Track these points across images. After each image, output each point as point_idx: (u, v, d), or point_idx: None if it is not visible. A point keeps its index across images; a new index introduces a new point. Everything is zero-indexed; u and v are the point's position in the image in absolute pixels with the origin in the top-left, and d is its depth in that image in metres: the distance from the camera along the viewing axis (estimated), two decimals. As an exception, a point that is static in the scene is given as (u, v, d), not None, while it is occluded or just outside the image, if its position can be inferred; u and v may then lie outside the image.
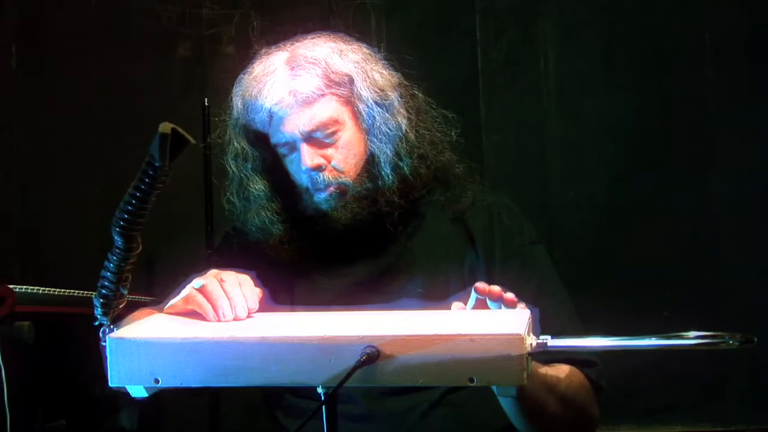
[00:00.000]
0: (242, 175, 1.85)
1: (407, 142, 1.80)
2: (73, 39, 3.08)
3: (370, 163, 1.79)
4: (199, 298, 1.51)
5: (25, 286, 2.28)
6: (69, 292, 2.38)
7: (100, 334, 1.34)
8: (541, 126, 3.09)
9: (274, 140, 1.79)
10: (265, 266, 1.74)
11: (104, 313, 1.30)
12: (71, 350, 2.48)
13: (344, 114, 1.78)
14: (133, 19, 3.11)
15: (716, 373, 2.96)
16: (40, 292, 2.32)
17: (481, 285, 1.47)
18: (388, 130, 1.79)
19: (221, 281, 1.53)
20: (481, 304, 1.49)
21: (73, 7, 3.08)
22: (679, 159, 3.02)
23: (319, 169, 1.76)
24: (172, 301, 1.56)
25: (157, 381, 1.34)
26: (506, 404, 1.57)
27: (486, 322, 1.39)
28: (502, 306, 1.46)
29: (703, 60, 3.01)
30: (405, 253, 1.82)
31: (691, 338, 1.29)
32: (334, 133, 1.76)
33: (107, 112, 3.07)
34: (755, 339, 1.28)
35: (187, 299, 1.53)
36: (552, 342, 1.34)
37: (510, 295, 1.46)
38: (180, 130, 1.16)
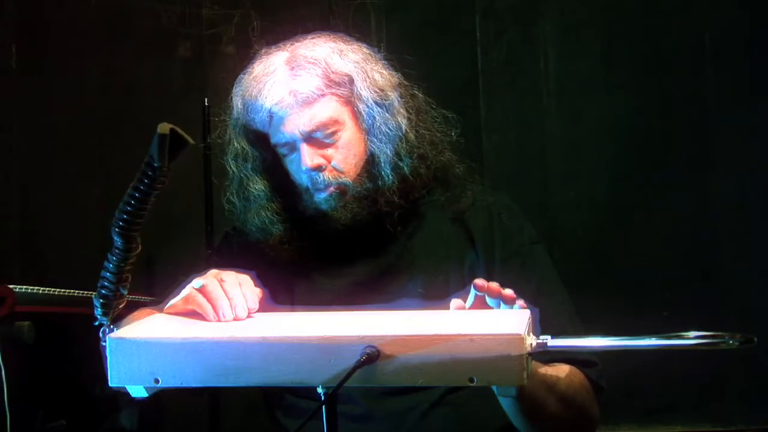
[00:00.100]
0: (242, 175, 1.85)
1: (407, 142, 1.81)
2: (73, 39, 3.08)
3: (370, 163, 1.79)
4: (199, 298, 1.51)
5: (25, 286, 2.28)
6: (69, 292, 2.38)
7: (100, 334, 1.34)
8: (541, 126, 3.09)
9: (274, 140, 1.79)
10: (265, 266, 1.74)
11: (104, 313, 1.30)
12: (71, 350, 2.47)
13: (344, 114, 1.78)
14: (133, 19, 3.11)
15: (716, 373, 2.96)
16: (40, 292, 2.32)
17: (480, 281, 1.47)
18: (388, 130, 1.79)
19: (221, 281, 1.53)
20: (480, 301, 1.49)
21: (73, 7, 3.08)
22: (679, 159, 3.02)
23: (319, 169, 1.76)
24: (172, 301, 1.56)
25: (157, 381, 1.34)
26: (506, 404, 1.57)
27: (486, 322, 1.39)
28: (501, 302, 1.46)
29: (703, 60, 3.01)
30: (405, 253, 1.82)
31: (691, 338, 1.29)
32: (334, 133, 1.76)
33: (107, 112, 3.06)
34: (755, 339, 1.28)
35: (187, 299, 1.53)
36: (552, 342, 1.34)
37: (508, 292, 1.46)
38: (179, 130, 1.16)
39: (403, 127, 1.81)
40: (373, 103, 1.78)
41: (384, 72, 1.83)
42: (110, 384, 1.35)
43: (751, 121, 2.98)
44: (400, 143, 1.79)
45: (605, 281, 3.00)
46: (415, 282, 1.79)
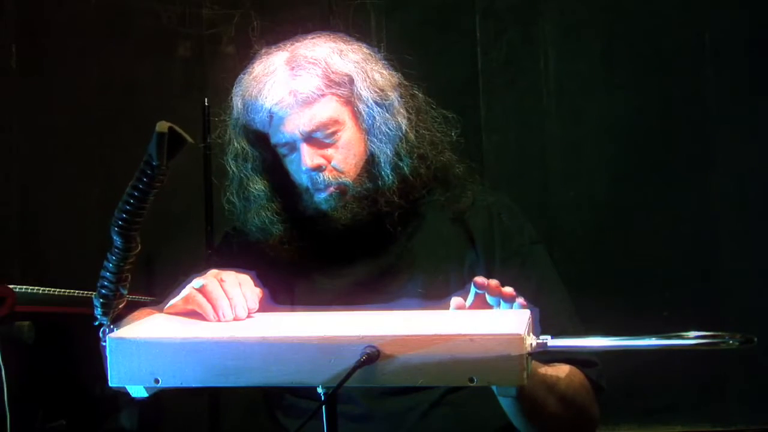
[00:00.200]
0: (242, 175, 1.85)
1: (407, 142, 1.81)
2: (73, 39, 3.08)
3: (370, 163, 1.79)
4: (199, 298, 1.51)
5: (25, 286, 2.28)
6: (69, 292, 2.38)
7: (100, 334, 1.34)
8: (541, 126, 3.09)
9: (274, 140, 1.79)
10: (265, 266, 1.74)
11: (104, 313, 1.30)
12: (71, 350, 2.47)
13: (344, 114, 1.78)
14: (133, 19, 3.11)
15: (716, 373, 2.96)
16: (40, 292, 2.32)
17: (480, 279, 1.47)
18: (388, 130, 1.79)
19: (221, 281, 1.53)
20: (480, 299, 1.49)
21: (73, 7, 3.08)
22: (679, 159, 3.02)
23: (319, 169, 1.76)
24: (172, 301, 1.56)
25: (157, 381, 1.34)
26: (506, 404, 1.57)
27: (486, 322, 1.39)
28: (501, 300, 1.46)
29: (703, 60, 3.01)
30: (405, 253, 1.82)
31: (691, 338, 1.29)
32: (334, 133, 1.76)
33: (107, 112, 3.06)
34: (755, 339, 1.28)
35: (187, 299, 1.53)
36: (552, 342, 1.34)
37: (508, 290, 1.46)
38: (177, 128, 1.16)
39: (403, 127, 1.81)
40: (373, 103, 1.78)
41: (384, 72, 1.83)
42: (110, 384, 1.35)
43: (751, 121, 2.98)
44: (400, 143, 1.79)
45: (605, 281, 3.00)
46: (415, 282, 1.79)
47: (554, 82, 3.08)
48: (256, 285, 1.58)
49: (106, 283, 1.26)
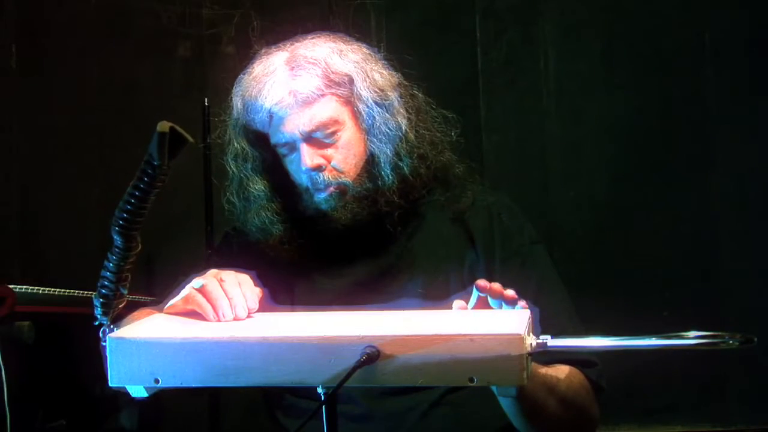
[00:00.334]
0: (242, 175, 1.85)
1: (407, 142, 1.80)
2: (73, 39, 3.08)
3: (370, 163, 1.79)
4: (199, 298, 1.51)
5: (25, 286, 2.28)
6: (69, 292, 2.38)
7: (100, 334, 1.34)
8: (541, 126, 3.09)
9: (274, 140, 1.79)
10: (265, 266, 1.74)
11: (104, 313, 1.30)
12: (71, 350, 2.47)
13: (344, 114, 1.78)
14: (133, 19, 3.11)
15: (716, 373, 2.96)
16: (40, 292, 2.32)
17: (482, 282, 1.47)
18: (388, 130, 1.79)
19: (221, 281, 1.53)
20: (482, 302, 1.49)
21: (73, 7, 3.08)
22: (679, 159, 3.02)
23: (319, 169, 1.76)
24: (172, 301, 1.56)
25: (157, 381, 1.34)
26: (506, 404, 1.57)
27: (486, 322, 1.39)
28: (503, 303, 1.47)
29: (703, 60, 3.01)
30: (405, 253, 1.82)
31: (691, 338, 1.29)
32: (334, 133, 1.76)
33: (107, 112, 3.06)
34: (755, 339, 1.28)
35: (186, 299, 1.53)
36: (552, 342, 1.34)
37: (510, 292, 1.47)
38: (178, 128, 1.16)
39: (403, 127, 1.81)
40: (373, 103, 1.78)
41: (384, 72, 1.83)
42: (110, 384, 1.35)
43: (751, 121, 2.98)
44: (400, 143, 1.79)
45: (605, 281, 3.00)
46: (415, 282, 1.78)
47: (554, 82, 3.08)
48: (255, 284, 1.58)
49: (106, 283, 1.26)
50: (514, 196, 1.96)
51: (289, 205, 1.82)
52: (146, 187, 1.18)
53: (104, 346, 1.34)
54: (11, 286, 2.24)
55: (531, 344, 1.30)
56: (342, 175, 1.77)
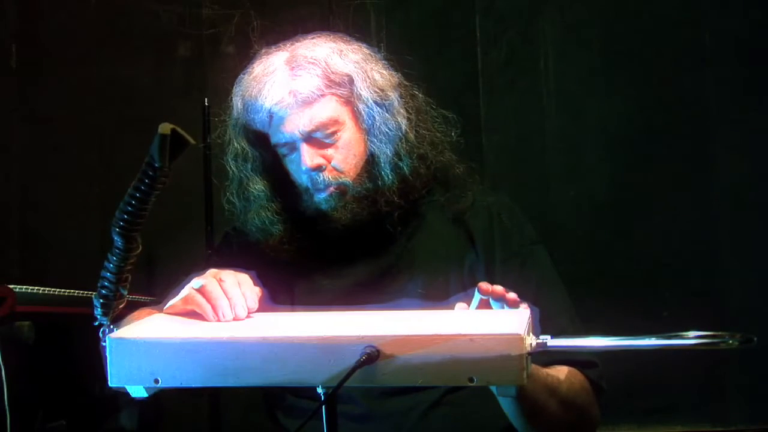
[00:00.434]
0: (242, 175, 1.84)
1: (407, 142, 1.80)
2: (73, 39, 3.08)
3: (370, 163, 1.79)
4: (199, 298, 1.51)
5: (25, 286, 2.28)
6: (69, 292, 2.38)
7: (100, 334, 1.34)
8: (541, 126, 3.09)
9: (274, 140, 1.79)
10: (265, 266, 1.73)
11: (104, 314, 1.30)
12: (71, 350, 2.48)
13: (344, 114, 1.78)
14: (133, 19, 3.11)
15: (716, 373, 2.96)
16: (40, 292, 2.32)
17: (484, 285, 1.47)
18: (388, 130, 1.79)
19: (220, 281, 1.53)
20: (484, 304, 1.49)
21: (73, 7, 3.09)
22: (679, 159, 3.02)
23: (319, 169, 1.76)
24: (172, 302, 1.55)
25: (157, 381, 1.34)
26: (506, 406, 1.57)
27: (486, 322, 1.39)
28: (505, 306, 1.47)
29: (703, 60, 3.01)
30: (405, 254, 1.82)
31: (691, 338, 1.29)
32: (334, 133, 1.76)
33: (107, 112, 3.07)
34: (755, 339, 1.28)
35: (186, 300, 1.53)
36: (552, 342, 1.34)
37: (512, 295, 1.47)
38: (179, 130, 1.16)
39: (403, 127, 1.80)
40: (373, 103, 1.78)
41: (384, 72, 1.83)
42: (110, 384, 1.35)
43: (751, 121, 2.98)
44: (400, 143, 1.79)
45: (605, 281, 3.00)
46: (415, 282, 1.78)
47: (554, 82, 3.08)
48: (255, 284, 1.58)
49: (106, 284, 1.26)
50: (514, 196, 1.96)
51: (289, 205, 1.82)
52: (147, 189, 1.18)
53: (104, 346, 1.34)
54: (11, 286, 2.24)
55: (531, 344, 1.30)
56: (342, 175, 1.77)
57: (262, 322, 1.51)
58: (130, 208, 1.19)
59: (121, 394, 1.48)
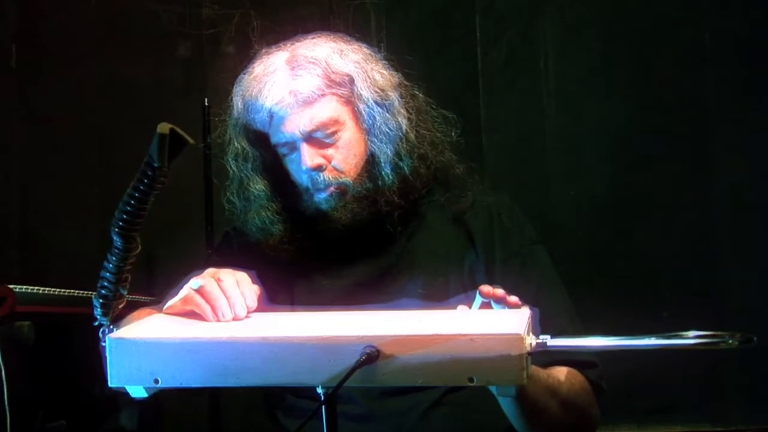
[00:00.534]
0: (242, 175, 1.84)
1: (407, 142, 1.80)
2: (73, 39, 3.08)
3: (371, 163, 1.79)
4: (198, 299, 1.51)
5: (25, 286, 2.28)
6: (69, 292, 2.38)
7: (100, 334, 1.34)
8: (541, 126, 3.09)
9: (274, 140, 1.79)
10: (265, 266, 1.73)
11: (104, 314, 1.30)
12: (71, 350, 2.48)
13: (344, 114, 1.78)
14: (133, 19, 3.12)
15: (716, 373, 2.96)
16: (40, 292, 2.32)
17: (485, 288, 1.47)
18: (389, 130, 1.79)
19: (219, 281, 1.52)
20: (485, 307, 1.49)
21: (73, 7, 3.09)
22: (679, 159, 3.02)
23: (319, 169, 1.76)
24: (170, 302, 1.55)
25: (156, 381, 1.33)
26: (507, 407, 1.57)
27: (486, 322, 1.39)
28: (506, 308, 1.47)
29: (703, 60, 3.01)
30: (405, 254, 1.82)
31: (690, 338, 1.29)
32: (334, 133, 1.76)
33: (107, 112, 3.07)
34: (755, 339, 1.28)
35: (185, 300, 1.53)
36: (552, 342, 1.34)
37: (514, 298, 1.47)
38: (178, 130, 1.16)
39: (404, 127, 1.80)
40: (374, 103, 1.78)
41: (384, 72, 1.83)
42: (110, 384, 1.35)
43: (751, 121, 2.98)
44: (400, 143, 1.79)
45: (605, 281, 3.00)
46: (415, 282, 1.78)
47: (554, 82, 3.08)
48: (253, 282, 1.58)
49: (105, 284, 1.26)
50: (514, 196, 1.96)
51: (290, 205, 1.82)
52: (146, 189, 1.18)
53: (104, 347, 1.34)
54: (11, 286, 2.24)
55: (531, 344, 1.30)
56: (342, 175, 1.77)
57: (261, 322, 1.51)
58: (129, 208, 1.19)
59: (121, 394, 1.48)
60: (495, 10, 3.11)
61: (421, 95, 1.89)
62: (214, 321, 1.49)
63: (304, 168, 1.76)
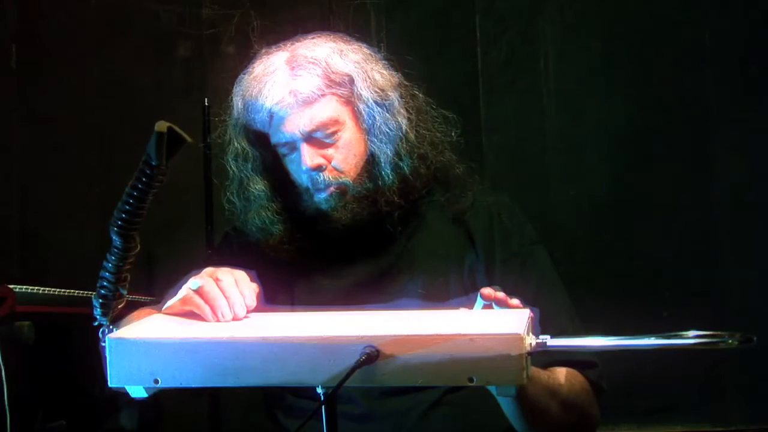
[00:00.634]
0: (242, 175, 1.84)
1: (407, 142, 1.80)
2: (73, 39, 3.08)
3: (370, 163, 1.79)
4: (197, 299, 1.50)
5: (25, 286, 2.28)
6: (69, 292, 2.38)
7: (100, 335, 1.34)
8: (541, 126, 3.09)
9: (274, 140, 1.79)
10: (265, 266, 1.73)
11: (103, 314, 1.30)
12: (71, 350, 2.48)
13: (344, 114, 1.78)
14: (133, 19, 3.12)
15: (716, 373, 2.96)
16: (40, 292, 2.32)
17: (487, 291, 1.47)
18: (389, 130, 1.79)
19: (217, 280, 1.52)
20: (487, 309, 1.49)
21: (73, 7, 3.09)
22: (679, 159, 3.02)
23: (319, 169, 1.76)
24: (170, 302, 1.55)
25: (156, 381, 1.33)
26: (507, 408, 1.57)
27: (485, 322, 1.39)
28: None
29: (703, 60, 3.01)
30: (405, 254, 1.82)
31: (690, 338, 1.29)
32: (334, 133, 1.76)
33: (107, 112, 3.07)
34: (755, 338, 1.28)
35: (184, 301, 1.52)
36: (552, 342, 1.34)
37: (515, 302, 1.47)
38: (176, 128, 1.16)
39: (404, 127, 1.80)
40: (374, 103, 1.78)
41: (384, 72, 1.83)
42: (110, 384, 1.35)
43: (751, 121, 2.98)
44: (400, 143, 1.79)
45: (605, 281, 3.00)
46: (415, 282, 1.78)
47: (554, 82, 3.08)
48: (252, 280, 1.58)
49: (105, 284, 1.26)
50: (514, 196, 1.96)
51: (290, 205, 1.82)
52: (144, 187, 1.18)
53: (104, 347, 1.34)
54: (11, 286, 2.24)
55: (531, 344, 1.30)
56: (342, 175, 1.77)
57: (261, 322, 1.51)
58: (128, 207, 1.19)
59: (121, 394, 1.47)
60: (495, 10, 3.11)
61: (421, 95, 1.89)
62: (214, 321, 1.49)
63: (304, 168, 1.76)
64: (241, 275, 1.57)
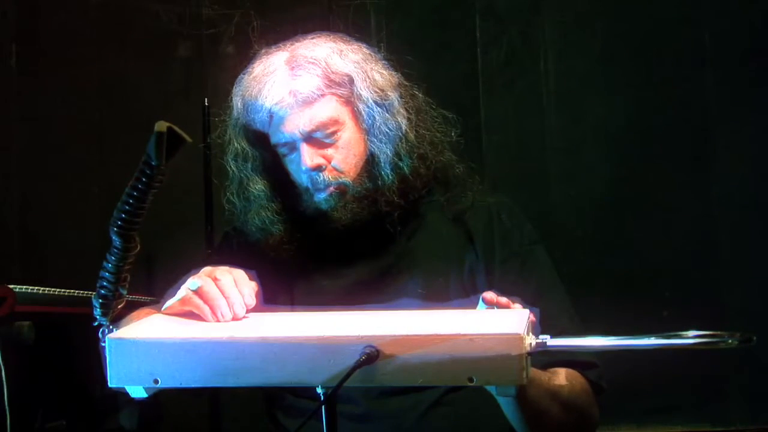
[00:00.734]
0: (242, 175, 1.84)
1: (407, 142, 1.80)
2: (73, 39, 3.08)
3: (370, 163, 1.79)
4: (196, 300, 1.50)
5: (25, 286, 2.28)
6: (69, 292, 2.38)
7: (100, 335, 1.34)
8: (541, 126, 3.09)
9: (274, 140, 1.79)
10: (265, 266, 1.73)
11: (103, 314, 1.30)
12: (71, 350, 2.48)
13: (344, 114, 1.78)
14: (133, 19, 3.12)
15: (716, 373, 2.96)
16: (40, 292, 2.32)
17: (488, 295, 1.48)
18: (388, 130, 1.79)
19: (216, 280, 1.52)
20: None
21: (73, 7, 3.09)
22: (679, 159, 3.02)
23: (319, 169, 1.76)
24: (169, 303, 1.55)
25: (156, 381, 1.33)
26: (507, 409, 1.57)
27: (485, 322, 1.39)
28: None
29: (703, 60, 3.01)
30: (405, 254, 1.82)
31: (690, 338, 1.29)
32: (334, 133, 1.76)
33: (107, 112, 3.07)
34: (754, 338, 1.28)
35: (184, 301, 1.52)
36: (552, 342, 1.34)
37: (517, 307, 1.47)
38: (176, 128, 1.16)
39: (403, 127, 1.80)
40: (373, 103, 1.78)
41: (384, 72, 1.83)
42: (110, 384, 1.35)
43: (751, 121, 2.98)
44: (400, 143, 1.79)
45: (605, 281, 3.00)
46: (414, 282, 1.78)
47: (554, 82, 3.08)
48: (251, 279, 1.58)
49: (105, 284, 1.26)
50: (514, 196, 1.96)
51: (289, 205, 1.82)
52: (144, 188, 1.18)
53: (104, 347, 1.34)
54: (11, 286, 2.24)
55: (530, 344, 1.30)
56: (342, 175, 1.77)
57: (261, 322, 1.51)
58: (127, 207, 1.19)
59: (121, 394, 1.48)
60: (495, 10, 3.11)
61: (420, 95, 1.89)
62: (214, 321, 1.49)
63: (303, 168, 1.76)
64: (240, 274, 1.57)
